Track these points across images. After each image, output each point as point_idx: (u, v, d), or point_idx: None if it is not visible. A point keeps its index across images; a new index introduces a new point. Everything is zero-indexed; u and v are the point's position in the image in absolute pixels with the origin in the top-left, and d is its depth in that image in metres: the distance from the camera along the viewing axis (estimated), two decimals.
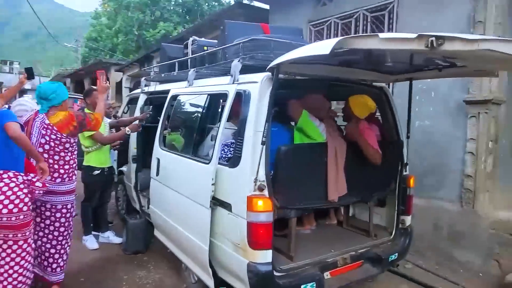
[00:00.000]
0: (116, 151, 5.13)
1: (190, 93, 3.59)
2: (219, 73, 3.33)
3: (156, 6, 21.40)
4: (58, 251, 3.15)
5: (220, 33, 3.56)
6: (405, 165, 3.43)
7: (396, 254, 3.22)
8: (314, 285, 2.61)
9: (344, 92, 3.40)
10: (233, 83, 2.84)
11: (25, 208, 2.61)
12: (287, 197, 2.72)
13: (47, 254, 3.12)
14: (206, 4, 22.22)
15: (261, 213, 2.46)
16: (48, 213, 3.09)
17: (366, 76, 3.25)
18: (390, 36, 1.75)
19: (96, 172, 4.28)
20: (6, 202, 2.52)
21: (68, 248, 3.26)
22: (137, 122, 4.52)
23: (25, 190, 2.62)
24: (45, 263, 3.13)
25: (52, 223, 3.10)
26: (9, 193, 2.55)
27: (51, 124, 3.01)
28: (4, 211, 2.51)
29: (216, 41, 4.00)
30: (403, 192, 3.39)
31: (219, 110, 3.18)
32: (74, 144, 3.21)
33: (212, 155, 2.79)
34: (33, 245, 2.81)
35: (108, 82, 3.65)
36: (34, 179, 2.68)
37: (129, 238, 4.29)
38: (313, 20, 5.98)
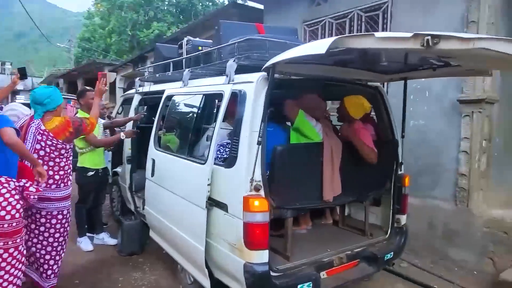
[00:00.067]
0: (110, 152, 5.10)
1: (185, 93, 3.57)
2: (214, 73, 3.32)
3: (150, 6, 21.30)
4: (53, 257, 3.13)
5: (215, 33, 3.55)
6: (400, 165, 3.44)
7: (392, 253, 3.23)
8: (311, 285, 2.61)
9: (339, 91, 3.41)
10: (228, 83, 2.83)
11: (17, 215, 2.57)
12: (283, 197, 2.71)
13: (41, 261, 3.09)
14: (200, 4, 22.16)
15: (257, 213, 2.46)
16: (43, 220, 3.05)
17: (361, 76, 3.25)
18: (386, 36, 1.76)
19: (90, 173, 4.25)
20: None
21: (63, 253, 3.23)
22: (132, 128, 4.53)
23: (17, 197, 2.58)
24: (41, 269, 3.10)
25: (47, 230, 3.07)
26: (0, 199, 2.51)
27: (47, 130, 2.98)
28: None
29: (210, 41, 3.99)
30: (398, 192, 3.41)
31: (215, 110, 3.17)
32: (69, 150, 3.18)
33: (207, 156, 2.78)
34: (25, 252, 2.76)
35: (106, 85, 3.64)
36: (27, 184, 2.63)
37: (124, 240, 4.26)
38: (308, 20, 5.99)
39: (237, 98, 2.70)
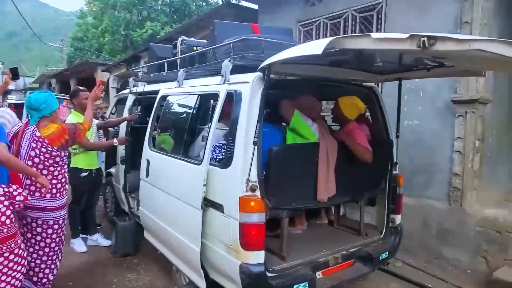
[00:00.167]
0: (104, 153, 5.06)
1: (180, 94, 3.55)
2: (209, 73, 3.31)
3: (143, 5, 21.19)
4: (48, 266, 3.08)
5: (210, 33, 3.54)
6: (395, 165, 3.46)
7: (387, 252, 3.24)
8: (307, 285, 2.62)
9: (334, 92, 3.42)
10: (224, 83, 2.82)
11: (7, 221, 2.51)
12: (279, 198, 2.71)
13: (37, 269, 3.04)
14: (194, 4, 22.09)
15: (253, 213, 2.45)
16: (39, 229, 3.01)
17: (356, 76, 3.26)
18: (382, 36, 1.76)
19: (84, 174, 4.21)
20: None
21: (58, 262, 3.19)
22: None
23: (6, 203, 2.50)
24: (34, 278, 3.06)
25: (43, 239, 3.03)
26: None
27: (42, 137, 2.92)
28: None
29: (205, 41, 3.98)
30: (393, 191, 3.43)
31: (210, 110, 3.16)
32: (64, 158, 3.13)
33: (203, 156, 2.78)
34: (25, 254, 2.71)
35: (103, 93, 3.63)
36: (15, 193, 2.56)
37: (119, 241, 4.23)
38: (302, 20, 5.99)
39: (232, 99, 2.69)
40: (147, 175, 3.69)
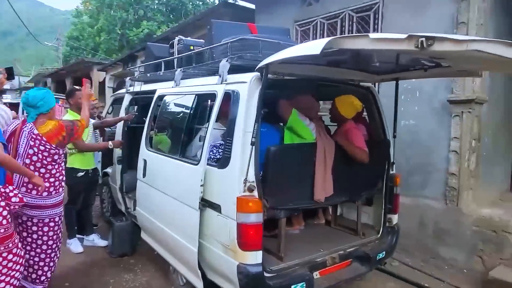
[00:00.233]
0: (100, 153, 5.04)
1: (177, 93, 3.54)
2: (206, 73, 3.30)
3: (140, 4, 21.08)
4: (47, 263, 3.08)
5: (207, 33, 3.53)
6: (392, 164, 3.46)
7: (384, 252, 3.25)
8: (304, 285, 2.62)
9: (332, 92, 3.42)
10: (221, 83, 2.81)
11: (4, 222, 2.51)
12: (277, 198, 2.71)
13: (36, 267, 3.04)
14: (191, 3, 22.02)
15: (251, 214, 2.45)
16: (35, 228, 2.99)
17: (353, 76, 3.27)
18: (380, 37, 1.76)
19: (80, 174, 4.19)
20: None
21: (56, 259, 3.18)
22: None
23: (2, 203, 2.50)
24: (33, 275, 3.05)
25: (40, 237, 3.01)
26: None
27: (40, 135, 2.91)
28: None
29: (202, 40, 3.97)
30: (390, 191, 3.43)
31: (207, 110, 3.15)
32: (62, 155, 3.12)
33: (200, 156, 2.77)
34: (22, 253, 2.71)
35: (91, 89, 3.65)
36: (11, 194, 2.55)
37: (115, 241, 4.22)
38: (299, 20, 5.99)
39: (230, 99, 2.69)
40: (144, 175, 3.67)
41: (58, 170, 3.09)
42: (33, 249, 3.01)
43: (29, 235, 2.99)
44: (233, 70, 2.80)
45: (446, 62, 2.52)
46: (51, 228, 3.06)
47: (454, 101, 4.12)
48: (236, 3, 9.62)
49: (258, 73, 2.55)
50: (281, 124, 3.14)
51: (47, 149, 2.94)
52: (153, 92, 3.94)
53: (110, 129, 5.09)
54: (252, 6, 7.18)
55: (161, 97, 3.76)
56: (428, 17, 4.33)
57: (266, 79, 2.42)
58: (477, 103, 4.08)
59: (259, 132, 2.45)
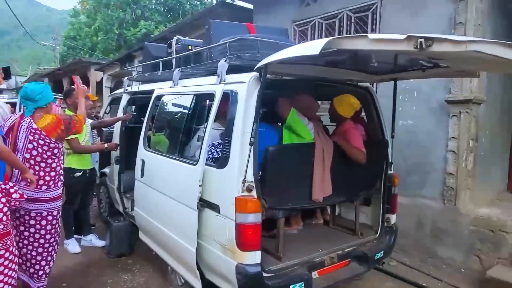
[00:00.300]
0: (98, 153, 5.02)
1: (175, 93, 3.54)
2: (205, 73, 3.30)
3: (137, 4, 21.04)
4: (44, 258, 3.06)
5: (206, 33, 3.52)
6: (390, 164, 3.47)
7: (382, 252, 3.26)
8: (303, 285, 2.62)
9: (330, 92, 3.42)
10: (220, 83, 2.81)
11: (4, 218, 2.52)
12: (275, 198, 2.71)
13: (33, 261, 3.02)
14: (188, 3, 22.00)
15: (249, 214, 2.44)
16: (33, 222, 2.98)
17: (351, 76, 3.27)
18: (379, 37, 1.76)
19: (78, 174, 4.17)
20: None
21: (55, 254, 3.17)
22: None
23: (3, 200, 2.51)
24: (31, 270, 3.03)
25: (37, 231, 3.00)
26: None
27: (39, 129, 2.91)
28: None
29: (200, 40, 3.96)
30: (388, 191, 3.44)
31: (206, 110, 3.15)
32: (61, 149, 3.14)
33: (199, 156, 2.76)
34: (16, 252, 2.71)
35: (84, 85, 3.63)
36: (12, 190, 2.56)
37: (113, 241, 4.21)
38: (297, 20, 6.00)
39: (228, 98, 2.68)
40: (142, 175, 3.67)
41: (58, 164, 3.10)
42: (30, 243, 3.00)
43: (27, 229, 2.98)
44: (232, 70, 2.80)
45: (444, 63, 2.53)
46: (49, 222, 3.05)
47: (452, 101, 4.13)
48: (234, 3, 9.62)
49: (257, 73, 2.55)
50: (280, 124, 3.14)
51: (47, 143, 2.95)
52: (151, 92, 3.93)
53: (108, 129, 5.08)
54: (250, 6, 7.18)
55: (159, 97, 3.75)
56: (426, 18, 4.34)
57: (265, 79, 2.42)
58: (475, 103, 4.10)
59: (257, 132, 2.44)
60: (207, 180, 2.71)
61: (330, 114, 3.42)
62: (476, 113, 4.16)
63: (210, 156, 3.00)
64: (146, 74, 4.28)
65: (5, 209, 2.52)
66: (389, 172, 3.46)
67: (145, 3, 21.15)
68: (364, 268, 3.15)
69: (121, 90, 5.00)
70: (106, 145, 4.27)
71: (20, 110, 3.75)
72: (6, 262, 2.57)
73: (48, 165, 3.01)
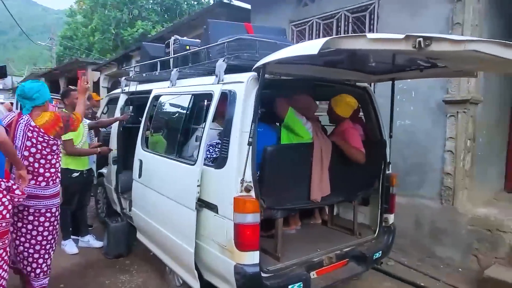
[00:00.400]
0: None
1: (173, 93, 3.53)
2: (202, 73, 3.29)
3: (134, 4, 20.98)
4: (42, 255, 3.03)
5: (204, 32, 3.51)
6: (388, 164, 3.48)
7: (380, 252, 3.26)
8: (301, 285, 2.62)
9: (328, 92, 3.42)
10: (218, 83, 2.81)
11: (8, 215, 2.53)
12: (274, 198, 2.71)
13: (30, 259, 2.99)
14: (185, 3, 21.96)
15: (248, 214, 2.44)
16: (31, 218, 2.97)
17: (349, 76, 3.28)
18: (378, 37, 1.76)
19: (75, 174, 4.15)
20: None
21: (52, 252, 3.14)
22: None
23: (8, 197, 2.53)
24: (28, 268, 3.00)
25: (35, 228, 2.98)
26: None
27: (38, 126, 2.90)
28: None
29: (198, 40, 3.95)
30: (386, 191, 3.45)
31: (204, 110, 3.14)
32: (60, 145, 3.14)
33: (197, 156, 2.76)
34: (9, 251, 2.69)
35: (88, 83, 3.58)
36: (14, 186, 2.58)
37: (111, 242, 4.19)
38: (295, 20, 6.00)
39: (227, 98, 2.68)
40: (139, 175, 3.65)
41: (57, 160, 3.10)
42: (28, 240, 2.98)
43: (24, 225, 2.96)
44: (230, 70, 2.79)
45: (442, 63, 2.53)
46: (47, 219, 3.03)
47: (450, 101, 4.14)
48: (231, 3, 9.60)
49: (255, 73, 2.54)
50: (278, 124, 3.14)
51: (46, 140, 2.94)
52: (148, 92, 3.92)
53: (105, 130, 5.06)
54: (248, 6, 7.17)
55: (157, 97, 3.74)
56: (423, 18, 4.35)
57: (263, 79, 2.41)
58: (472, 103, 4.11)
59: (256, 132, 2.44)
60: (205, 180, 2.70)
61: (329, 115, 3.42)
62: (473, 113, 4.17)
63: (208, 156, 2.99)
64: (144, 74, 4.27)
65: (10, 206, 2.53)
66: (387, 172, 3.47)
67: (142, 3, 21.11)
68: (363, 268, 3.15)
69: (118, 90, 4.99)
70: (99, 149, 4.26)
71: (17, 108, 3.73)
72: (1, 263, 2.56)
73: (48, 161, 3.00)
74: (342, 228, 3.56)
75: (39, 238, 3.01)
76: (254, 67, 2.44)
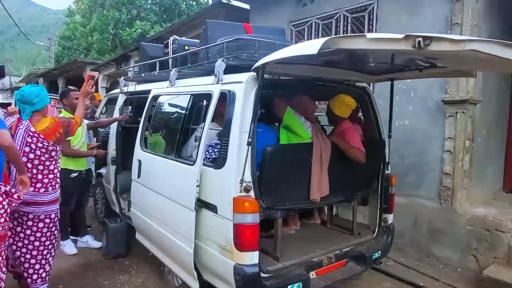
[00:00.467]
0: None
1: (172, 94, 3.52)
2: (201, 73, 3.29)
3: (133, 4, 20.93)
4: (38, 261, 3.00)
5: (203, 33, 3.51)
6: (387, 164, 3.48)
7: (379, 252, 3.26)
8: (301, 285, 2.62)
9: (328, 92, 3.43)
10: (217, 83, 2.80)
11: (3, 220, 2.51)
12: (273, 198, 2.71)
13: (26, 265, 2.97)
14: (184, 3, 21.94)
15: (247, 214, 2.44)
16: (30, 223, 2.95)
17: (349, 76, 3.28)
18: (377, 37, 1.76)
19: (74, 175, 4.14)
20: None
21: (51, 259, 3.12)
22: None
23: (6, 201, 2.51)
24: (25, 274, 2.99)
25: (33, 234, 2.97)
26: None
27: (37, 132, 2.88)
28: None
29: (197, 40, 3.95)
30: (385, 191, 3.45)
31: (203, 110, 3.14)
32: (58, 151, 3.11)
33: (196, 157, 2.75)
34: (8, 255, 2.69)
35: (94, 87, 3.56)
36: (13, 191, 2.56)
37: (110, 242, 4.18)
38: (294, 21, 6.00)
39: (226, 99, 2.67)
40: (138, 176, 3.65)
41: (55, 166, 3.08)
42: (25, 246, 2.96)
43: (23, 230, 2.95)
44: (229, 70, 2.79)
45: (441, 63, 2.53)
46: (46, 225, 3.02)
47: (448, 102, 4.15)
48: (230, 3, 9.59)
49: (254, 73, 2.54)
50: (277, 124, 3.14)
51: (45, 146, 2.92)
52: (147, 92, 3.91)
53: (104, 130, 5.05)
54: (247, 6, 7.17)
55: (156, 97, 3.74)
56: (422, 18, 4.36)
57: (263, 79, 2.41)
58: (471, 104, 4.12)
59: (255, 132, 2.44)
60: (204, 181, 2.70)
61: (327, 115, 3.43)
62: (472, 113, 4.18)
63: (208, 156, 2.99)
64: (143, 74, 4.26)
65: (9, 210, 2.52)
66: (386, 172, 3.47)
67: (141, 3, 21.06)
68: (362, 268, 3.16)
69: (117, 90, 4.98)
70: (95, 152, 4.26)
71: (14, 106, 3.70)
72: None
73: (46, 167, 2.98)
74: (341, 228, 3.56)
75: (36, 243, 3.00)
76: (253, 67, 2.44)
